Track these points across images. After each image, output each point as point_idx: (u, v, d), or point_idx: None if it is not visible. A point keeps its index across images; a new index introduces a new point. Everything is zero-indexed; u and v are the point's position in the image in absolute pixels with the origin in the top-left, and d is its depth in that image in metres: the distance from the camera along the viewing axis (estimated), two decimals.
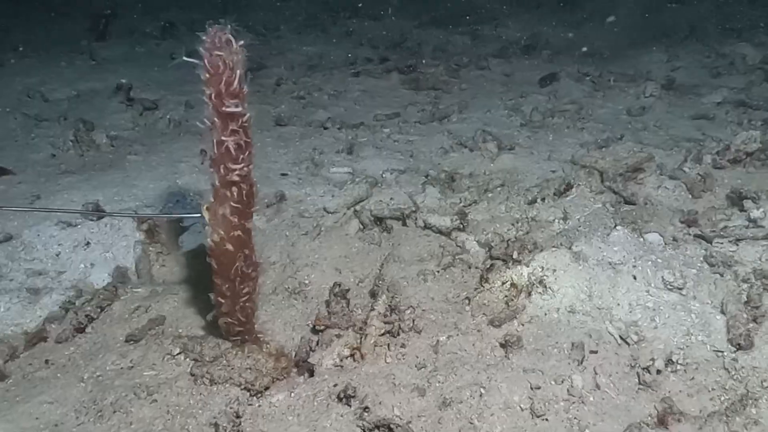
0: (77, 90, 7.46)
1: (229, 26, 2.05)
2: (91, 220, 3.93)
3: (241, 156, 2.23)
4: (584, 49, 7.80)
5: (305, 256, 3.52)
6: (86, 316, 3.10)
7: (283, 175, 4.66)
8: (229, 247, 2.38)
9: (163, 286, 3.43)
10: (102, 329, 3.07)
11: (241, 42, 2.08)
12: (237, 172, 2.25)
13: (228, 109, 2.11)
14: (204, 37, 2.04)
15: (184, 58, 2.17)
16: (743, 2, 8.66)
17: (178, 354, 2.72)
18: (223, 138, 2.18)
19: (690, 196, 3.83)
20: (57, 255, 3.72)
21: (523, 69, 7.49)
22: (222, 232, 2.35)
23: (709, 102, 5.69)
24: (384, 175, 4.47)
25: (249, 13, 10.45)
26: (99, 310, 3.18)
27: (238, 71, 2.09)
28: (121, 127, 6.22)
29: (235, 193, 2.29)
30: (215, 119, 2.15)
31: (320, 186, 4.38)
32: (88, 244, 3.77)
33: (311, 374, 2.61)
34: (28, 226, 4.04)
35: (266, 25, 9.75)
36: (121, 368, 2.73)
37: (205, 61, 2.05)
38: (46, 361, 2.85)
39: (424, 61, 7.79)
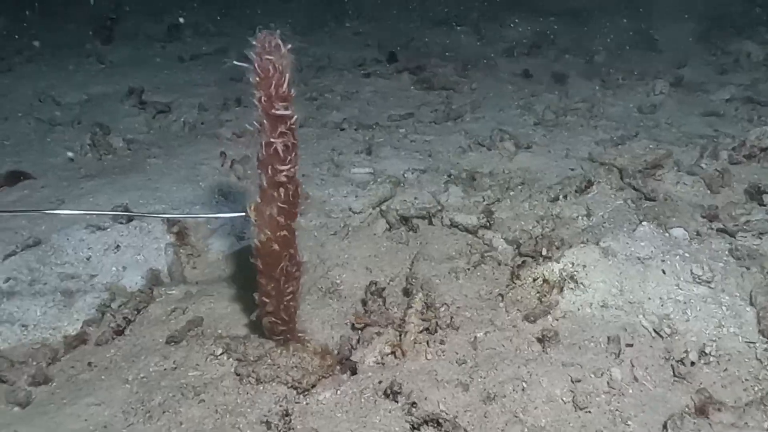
0: (88, 94, 7.50)
1: (278, 31, 2.10)
2: (120, 223, 3.97)
3: (289, 157, 2.29)
4: (591, 47, 7.86)
5: (335, 256, 3.58)
6: (124, 318, 3.15)
7: (304, 176, 4.71)
8: (276, 246, 2.43)
9: (196, 287, 3.48)
10: (140, 331, 3.11)
11: (289, 46, 2.13)
12: (284, 173, 2.30)
13: (277, 112, 2.16)
14: (254, 42, 2.10)
15: (235, 62, 2.22)
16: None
17: (221, 354, 2.77)
18: (271, 140, 2.23)
19: (708, 192, 3.90)
20: (88, 259, 3.77)
21: (532, 68, 7.56)
22: (269, 232, 2.40)
23: (717, 99, 5.77)
24: (406, 175, 4.53)
25: (252, 15, 10.49)
26: (136, 312, 3.23)
27: (287, 75, 2.14)
28: (136, 130, 6.26)
29: (282, 194, 2.34)
30: (264, 121, 2.20)
31: (343, 186, 4.43)
32: (118, 247, 3.82)
33: (354, 372, 2.66)
34: (57, 230, 4.08)
35: (269, 27, 9.78)
36: (165, 369, 2.77)
37: (256, 65, 2.10)
38: (89, 364, 2.89)
39: (432, 62, 7.86)
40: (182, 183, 4.71)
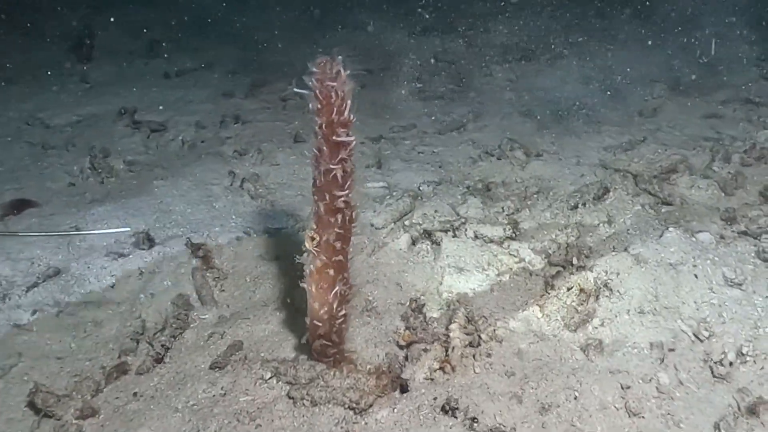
0: (78, 115, 7.39)
1: (339, 57, 2.13)
2: (142, 249, 3.94)
3: (348, 183, 2.31)
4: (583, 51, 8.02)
5: (365, 273, 3.60)
6: (162, 345, 3.13)
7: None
8: (331, 272, 2.45)
9: (228, 310, 3.47)
10: (180, 358, 3.09)
11: (348, 72, 2.16)
12: (343, 199, 2.33)
13: (339, 138, 2.18)
14: (314, 68, 2.11)
15: (295, 90, 2.24)
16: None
17: (270, 378, 2.77)
18: (331, 166, 2.25)
19: (723, 194, 4.02)
20: (112, 286, 3.73)
21: (526, 75, 7.70)
22: (324, 258, 2.41)
23: (714, 101, 5.94)
24: (421, 188, 4.57)
25: (234, 29, 10.42)
26: (172, 339, 3.21)
27: (348, 101, 2.16)
28: (134, 151, 6.18)
29: (339, 220, 2.36)
30: (324, 148, 2.21)
31: (359, 201, 4.45)
32: (141, 273, 3.79)
33: (405, 389, 2.68)
34: (75, 258, 4.03)
35: (256, 40, 9.75)
36: (214, 396, 2.76)
37: (317, 91, 2.12)
38: (134, 394, 2.86)
39: (425, 71, 7.94)
40: (196, 205, 4.69)
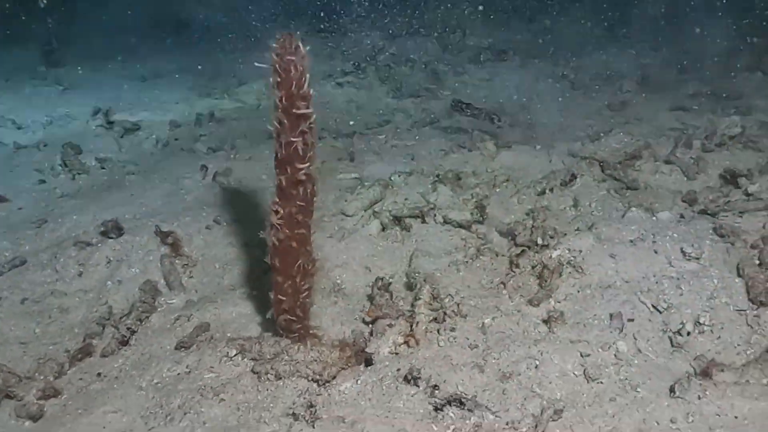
0: (50, 116, 7.37)
1: (297, 33, 2.16)
2: (111, 238, 3.92)
3: (308, 155, 2.34)
4: (555, 51, 8.17)
5: (334, 257, 3.62)
6: (128, 329, 3.11)
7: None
8: (294, 244, 2.47)
9: (196, 295, 3.46)
10: (146, 340, 3.08)
11: (308, 47, 2.20)
12: (304, 171, 2.35)
13: (299, 111, 2.21)
14: (274, 44, 2.15)
15: (255, 63, 2.26)
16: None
17: (235, 355, 2.77)
18: (291, 139, 2.28)
19: (685, 179, 4.12)
20: (80, 275, 3.70)
21: (500, 73, 7.82)
22: (287, 231, 2.43)
23: (682, 95, 6.08)
24: (392, 178, 4.61)
25: (209, 33, 10.40)
26: (138, 322, 3.20)
27: (307, 75, 2.20)
28: (107, 149, 6.16)
29: (300, 192, 2.38)
30: (284, 121, 2.24)
31: (331, 192, 4.48)
32: (110, 262, 3.76)
33: (370, 363, 2.70)
34: (42, 249, 4.00)
35: (232, 43, 9.77)
36: (179, 374, 2.75)
37: (276, 65, 2.15)
38: (98, 374, 2.84)
39: (402, 70, 8.04)
40: (167, 197, 4.67)
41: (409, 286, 3.29)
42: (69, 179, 5.49)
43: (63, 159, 5.74)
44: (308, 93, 2.23)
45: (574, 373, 2.54)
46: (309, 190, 2.42)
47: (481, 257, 3.42)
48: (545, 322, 2.86)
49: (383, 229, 3.93)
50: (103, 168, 5.69)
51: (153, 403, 2.58)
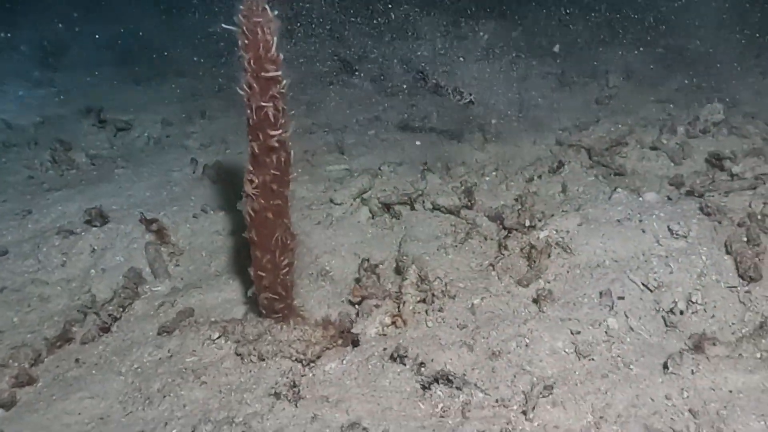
0: (42, 116, 7.29)
1: None
2: (95, 226, 3.85)
3: (280, 121, 2.29)
4: (541, 49, 8.19)
5: (322, 244, 3.57)
6: (109, 315, 3.04)
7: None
8: (270, 215, 2.41)
9: (182, 282, 3.40)
10: (128, 327, 3.01)
11: (276, 12, 2.16)
12: (276, 138, 2.30)
13: (268, 74, 2.17)
14: (241, 6, 2.12)
15: (222, 25, 2.22)
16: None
17: (218, 338, 2.71)
18: (262, 104, 2.23)
19: (672, 164, 4.10)
20: (63, 264, 3.63)
21: (487, 70, 7.80)
22: (262, 201, 2.38)
23: (667, 88, 6.09)
24: (382, 168, 4.57)
25: (208, 32, 10.39)
26: (121, 309, 3.13)
27: (275, 37, 2.16)
28: (98, 147, 6.11)
29: (274, 160, 2.33)
30: (253, 85, 2.20)
31: (320, 183, 4.43)
32: (94, 250, 3.70)
33: (356, 344, 2.65)
34: (25, 239, 3.93)
35: (224, 46, 9.74)
36: (160, 358, 2.69)
37: (243, 27, 2.12)
38: (77, 360, 2.77)
39: (391, 70, 8.01)
40: (156, 189, 4.61)
41: (398, 271, 3.24)
42: (58, 175, 5.42)
43: (52, 155, 5.68)
44: (277, 56, 2.20)
45: (564, 351, 2.49)
46: (283, 158, 2.37)
47: (469, 241, 3.38)
48: (535, 301, 2.82)
49: (372, 217, 3.89)
50: (94, 164, 5.63)
51: (132, 387, 2.52)
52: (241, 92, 2.22)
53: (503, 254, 3.18)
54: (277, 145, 2.28)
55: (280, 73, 2.18)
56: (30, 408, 2.49)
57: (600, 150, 4.21)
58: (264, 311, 2.66)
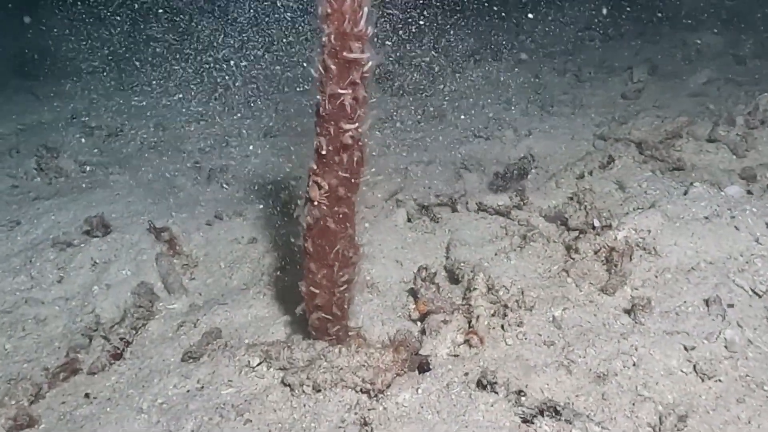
0: (23, 124, 6.80)
1: None
2: (96, 236, 3.37)
3: (357, 114, 1.87)
4: (551, 47, 7.89)
5: None
6: (121, 339, 2.57)
7: (298, 178, 4.25)
8: (332, 225, 1.99)
9: (201, 298, 2.94)
10: (144, 352, 2.55)
11: None
12: (350, 134, 1.88)
13: (351, 55, 1.74)
14: None
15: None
16: None
17: (258, 364, 2.25)
18: (339, 90, 1.80)
19: (734, 157, 3.75)
20: (60, 280, 3.15)
21: (499, 71, 7.47)
22: (326, 208, 1.95)
23: (696, 82, 5.79)
24: (409, 168, 4.17)
25: (205, 37, 9.94)
26: (133, 331, 2.66)
27: (365, 9, 1.73)
28: (87, 153, 5.62)
29: (345, 160, 1.91)
30: (331, 66, 1.76)
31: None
32: (95, 264, 3.22)
33: (426, 367, 2.21)
34: (15, 252, 3.43)
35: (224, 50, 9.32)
36: (188, 391, 2.23)
37: None
38: (86, 395, 2.30)
39: (398, 70, 7.64)
40: (159, 195, 4.15)
41: (454, 279, 2.82)
42: (45, 183, 4.94)
43: (38, 163, 5.19)
44: (365, 33, 1.76)
45: (682, 371, 2.09)
46: (356, 158, 1.94)
47: (531, 244, 2.98)
48: (627, 312, 2.41)
49: (409, 219, 3.47)
50: (83, 172, 5.14)
51: (159, 428, 2.05)
52: (315, 74, 1.79)
53: (574, 258, 2.78)
54: (350, 141, 1.85)
55: (367, 55, 1.74)
56: None
57: (654, 143, 3.85)
58: (314, 333, 2.21)
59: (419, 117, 5.91)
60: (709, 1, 8.02)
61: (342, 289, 2.12)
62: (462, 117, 5.62)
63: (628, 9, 8.53)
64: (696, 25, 7.91)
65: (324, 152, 1.90)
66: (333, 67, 1.76)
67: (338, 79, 1.78)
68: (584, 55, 7.63)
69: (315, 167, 1.93)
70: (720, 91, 5.52)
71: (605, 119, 4.96)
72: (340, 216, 2.01)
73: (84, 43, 9.96)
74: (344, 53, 1.74)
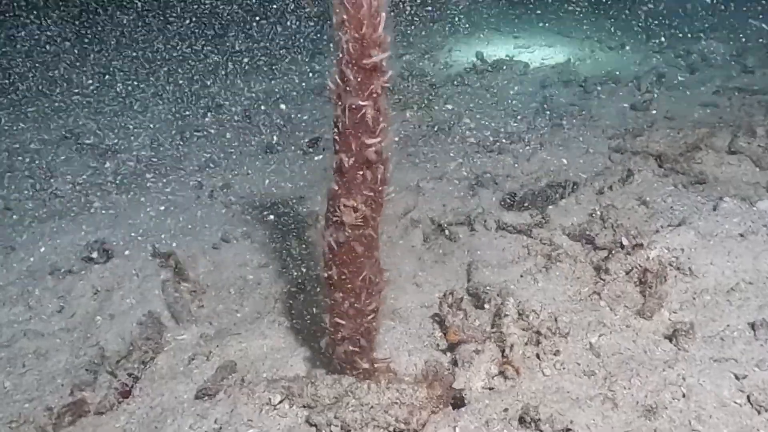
0: (18, 141, 6.64)
1: None
2: (97, 263, 3.22)
3: (379, 127, 1.74)
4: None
5: None
6: (129, 375, 2.41)
7: (301, 198, 4.12)
8: (358, 249, 1.85)
9: (212, 328, 2.78)
10: (155, 389, 2.39)
11: None
12: (374, 149, 1.75)
13: (371, 60, 1.62)
14: None
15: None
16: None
17: (280, 402, 2.10)
18: (360, 102, 1.67)
19: (758, 169, 3.65)
20: (60, 310, 2.99)
21: (501, 83, 7.39)
22: (350, 231, 1.82)
23: (706, 92, 5.72)
24: (420, 185, 4.04)
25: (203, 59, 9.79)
26: (142, 366, 2.50)
27: (383, 14, 1.61)
28: (82, 173, 5.45)
29: (369, 178, 1.77)
30: (349, 76, 1.64)
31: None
32: (97, 292, 3.06)
33: (460, 403, 2.07)
34: (11, 281, 3.27)
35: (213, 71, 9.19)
36: None
37: None
38: None
39: (399, 83, 7.55)
40: (161, 216, 3.99)
41: (479, 304, 2.68)
42: (39, 206, 4.76)
43: (32, 185, 5.04)
44: (385, 39, 1.64)
45: (735, 402, 1.95)
46: (379, 176, 1.81)
47: (558, 264, 2.85)
48: (668, 338, 2.28)
49: (425, 240, 3.34)
50: (78, 192, 4.97)
51: None
52: (331, 85, 1.66)
53: (604, 279, 2.65)
54: (374, 157, 1.72)
55: (387, 59, 1.62)
56: None
57: (674, 156, 3.75)
58: (341, 366, 2.07)
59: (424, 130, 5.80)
60: (710, 10, 8.01)
61: (370, 318, 1.98)
62: (467, 130, 5.51)
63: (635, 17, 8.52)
64: (698, 34, 7.89)
65: (345, 170, 1.76)
66: (351, 77, 1.63)
67: (358, 90, 1.65)
68: (591, 65, 7.57)
69: (336, 188, 1.79)
70: (731, 101, 5.43)
71: (618, 131, 4.86)
72: (366, 239, 1.87)
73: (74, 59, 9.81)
74: (363, 61, 1.61)
